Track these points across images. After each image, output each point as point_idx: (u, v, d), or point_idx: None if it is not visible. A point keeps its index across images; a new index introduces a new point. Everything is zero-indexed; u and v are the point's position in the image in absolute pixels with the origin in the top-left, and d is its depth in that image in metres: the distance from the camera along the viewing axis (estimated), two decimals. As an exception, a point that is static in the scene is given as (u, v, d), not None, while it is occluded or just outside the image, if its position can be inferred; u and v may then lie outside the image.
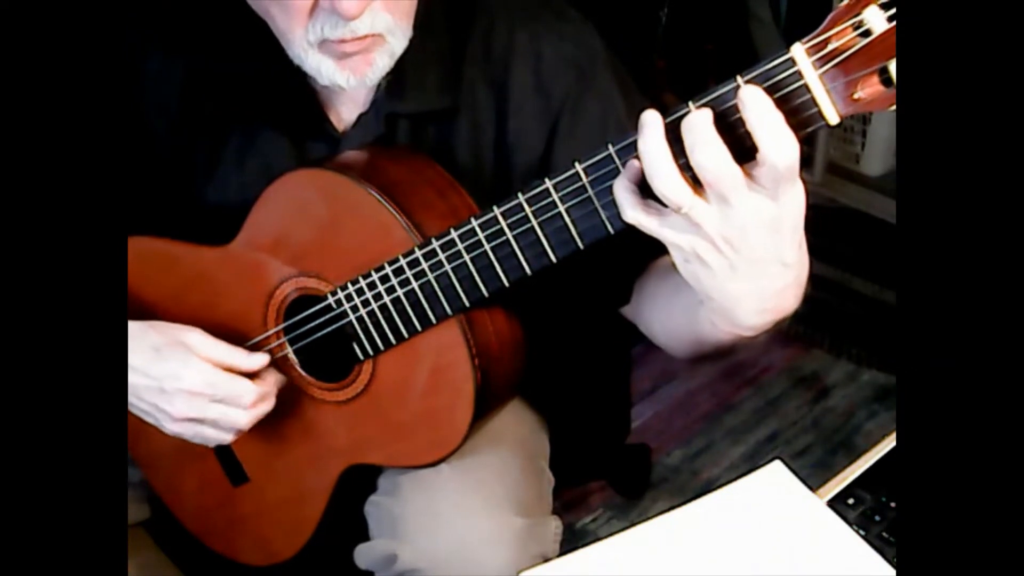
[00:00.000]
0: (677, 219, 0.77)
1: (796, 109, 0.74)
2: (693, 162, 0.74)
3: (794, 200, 0.76)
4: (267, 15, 0.96)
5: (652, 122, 0.76)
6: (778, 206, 0.75)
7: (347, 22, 0.91)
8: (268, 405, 1.04)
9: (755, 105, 0.72)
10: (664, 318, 1.00)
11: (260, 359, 1.03)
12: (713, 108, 0.75)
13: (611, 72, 1.05)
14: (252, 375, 1.03)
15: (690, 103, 0.76)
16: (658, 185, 0.75)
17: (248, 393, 1.01)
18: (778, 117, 0.73)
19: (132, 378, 1.01)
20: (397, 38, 0.96)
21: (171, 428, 1.04)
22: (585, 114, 1.03)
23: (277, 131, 1.07)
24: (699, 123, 0.73)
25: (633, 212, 0.79)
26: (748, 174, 0.74)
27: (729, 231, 0.76)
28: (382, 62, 0.96)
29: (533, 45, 1.03)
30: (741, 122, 0.74)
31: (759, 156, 0.73)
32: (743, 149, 0.74)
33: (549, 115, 1.03)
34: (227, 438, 1.05)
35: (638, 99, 1.06)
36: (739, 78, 0.75)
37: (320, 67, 0.96)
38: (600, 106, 1.03)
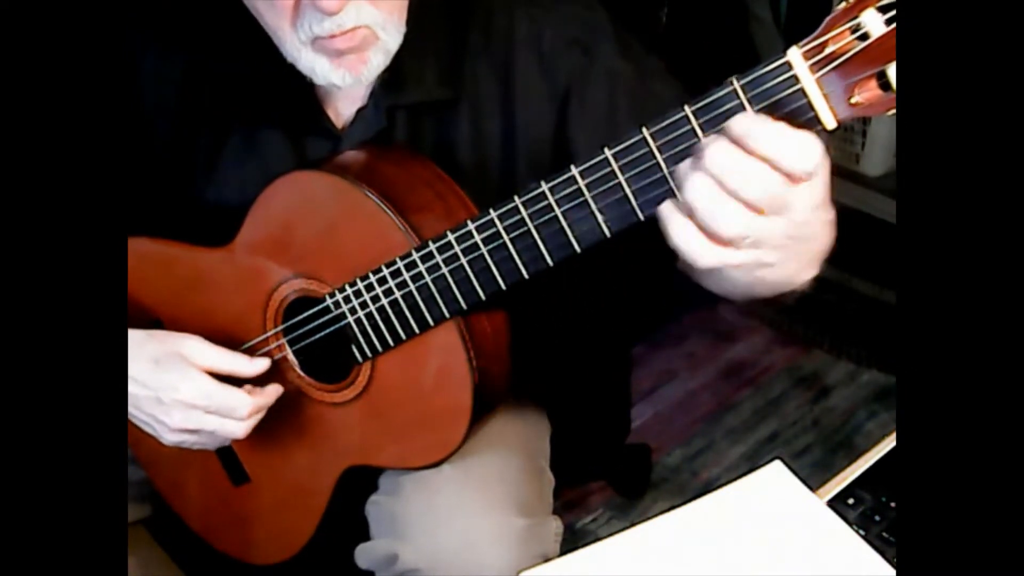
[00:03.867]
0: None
1: (792, 114, 0.73)
2: (744, 200, 0.73)
3: (824, 166, 0.74)
4: (257, 14, 0.97)
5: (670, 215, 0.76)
6: (821, 180, 0.75)
7: (331, 17, 0.91)
8: (262, 415, 1.04)
9: (762, 133, 0.72)
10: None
11: (261, 364, 1.03)
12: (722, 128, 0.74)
13: (615, 44, 1.03)
14: (253, 383, 1.03)
15: (685, 107, 0.76)
16: (724, 235, 0.74)
17: (243, 406, 1.01)
18: (787, 134, 0.72)
19: (132, 388, 1.01)
20: (390, 34, 0.96)
21: (169, 439, 1.04)
22: (593, 95, 1.02)
23: (276, 129, 1.07)
24: (732, 163, 0.72)
25: (710, 255, 0.76)
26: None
27: (793, 229, 0.76)
28: (376, 60, 0.96)
29: (533, 29, 1.02)
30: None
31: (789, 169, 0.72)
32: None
33: (556, 98, 1.02)
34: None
35: (646, 62, 1.05)
36: (734, 81, 0.74)
37: (315, 66, 0.95)
38: (607, 84, 1.02)
